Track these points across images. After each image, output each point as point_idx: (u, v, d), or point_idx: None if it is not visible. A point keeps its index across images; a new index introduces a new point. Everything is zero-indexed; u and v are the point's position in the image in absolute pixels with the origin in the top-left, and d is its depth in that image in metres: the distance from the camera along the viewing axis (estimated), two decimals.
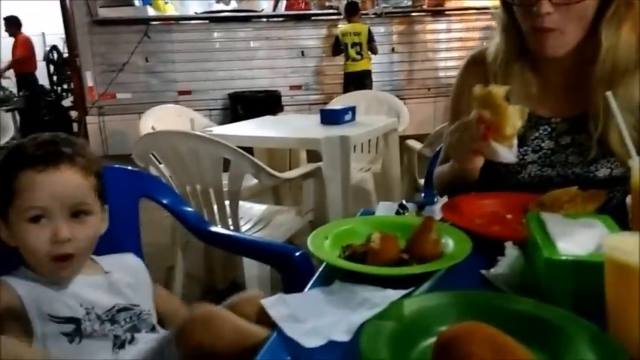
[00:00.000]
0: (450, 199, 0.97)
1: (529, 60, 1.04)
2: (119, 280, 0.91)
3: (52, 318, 0.80)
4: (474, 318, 0.51)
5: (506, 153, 0.87)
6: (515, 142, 0.88)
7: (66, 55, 6.87)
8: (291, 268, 1.04)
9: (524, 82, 1.04)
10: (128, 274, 0.94)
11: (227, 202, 1.81)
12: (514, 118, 0.85)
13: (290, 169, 2.56)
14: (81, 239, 0.83)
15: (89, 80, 5.97)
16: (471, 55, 1.16)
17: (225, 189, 1.79)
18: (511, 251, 0.71)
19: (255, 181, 2.07)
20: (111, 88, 5.98)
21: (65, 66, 7.08)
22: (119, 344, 0.84)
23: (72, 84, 6.61)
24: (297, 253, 1.04)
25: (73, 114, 6.69)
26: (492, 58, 1.07)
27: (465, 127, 0.89)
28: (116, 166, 1.27)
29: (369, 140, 2.93)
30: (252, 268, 1.74)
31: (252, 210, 2.11)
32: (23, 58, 7.00)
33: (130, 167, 1.28)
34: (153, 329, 0.91)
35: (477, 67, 1.11)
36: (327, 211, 2.10)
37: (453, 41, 6.45)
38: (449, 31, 6.48)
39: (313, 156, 2.25)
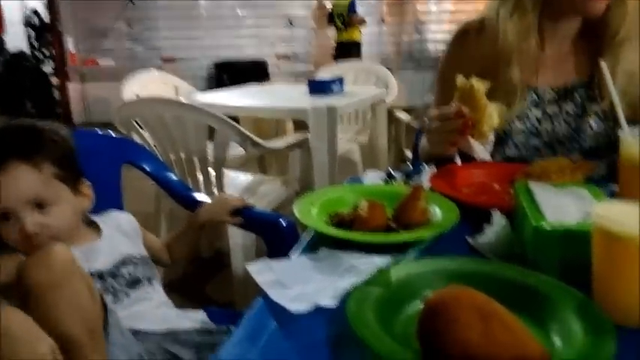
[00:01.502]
0: (438, 169, 0.97)
1: (535, 28, 1.02)
2: (114, 237, 0.95)
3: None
4: (460, 284, 0.50)
5: (482, 150, 0.89)
6: (491, 138, 0.89)
7: (47, 19, 6.64)
8: (278, 237, 1.03)
9: (522, 50, 1.02)
10: (121, 229, 0.98)
11: (212, 171, 1.78)
12: (492, 117, 0.86)
13: (275, 139, 2.53)
14: (51, 228, 0.83)
15: (70, 46, 5.81)
16: (462, 26, 1.14)
17: (210, 158, 1.77)
18: (498, 220, 0.71)
19: (241, 150, 2.04)
20: (93, 54, 5.84)
21: (46, 31, 6.85)
22: (117, 300, 0.88)
23: (53, 49, 6.41)
24: (284, 222, 1.03)
25: (54, 80, 6.51)
26: (503, 25, 1.02)
27: (446, 118, 0.89)
28: (98, 132, 1.24)
29: (357, 111, 2.91)
30: (237, 237, 1.73)
31: (237, 179, 2.09)
32: None
33: (112, 133, 1.24)
34: (150, 280, 0.95)
35: (467, 39, 1.09)
36: (314, 182, 2.09)
37: (444, 13, 6.37)
38: (439, 2, 6.39)
39: (300, 126, 2.22)
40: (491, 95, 0.88)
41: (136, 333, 0.82)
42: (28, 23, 7.23)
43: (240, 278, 1.72)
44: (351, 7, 5.38)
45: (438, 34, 6.30)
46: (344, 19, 5.40)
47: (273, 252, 1.05)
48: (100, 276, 0.88)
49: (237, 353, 0.50)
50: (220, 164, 1.76)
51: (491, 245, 0.68)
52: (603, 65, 0.79)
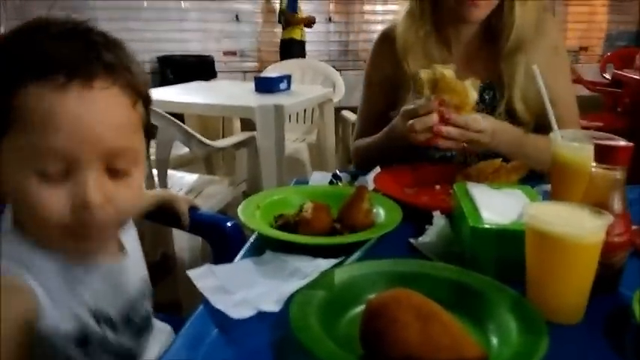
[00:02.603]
0: (382, 170, 0.98)
1: (434, 34, 1.08)
2: (136, 247, 0.68)
3: (52, 333, 0.52)
4: (402, 285, 0.51)
5: (476, 119, 0.90)
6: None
7: None
8: (222, 240, 1.01)
9: (429, 55, 1.07)
10: (132, 235, 0.67)
11: (155, 171, 1.73)
12: (472, 93, 0.88)
13: (222, 138, 2.49)
14: (120, 204, 0.53)
15: None
16: (383, 31, 1.18)
17: (152, 157, 1.71)
18: (438, 220, 0.73)
19: (187, 149, 1.99)
20: None
21: None
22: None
23: None
24: (229, 224, 1.01)
25: None
26: (400, 32, 1.09)
27: (428, 111, 0.88)
28: None
29: (305, 110, 2.91)
30: (182, 240, 1.69)
31: (182, 179, 2.04)
32: None
33: None
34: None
35: (387, 43, 1.12)
36: (261, 182, 2.07)
37: (389, 14, 6.49)
38: (385, 2, 6.50)
39: (247, 125, 2.20)
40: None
41: None
42: None
43: (186, 282, 1.68)
44: (291, 6, 5.33)
45: None
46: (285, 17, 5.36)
47: (218, 255, 1.02)
48: (110, 323, 0.59)
49: None
50: (163, 164, 1.71)
51: (432, 245, 0.70)
52: (535, 69, 0.82)
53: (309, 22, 5.48)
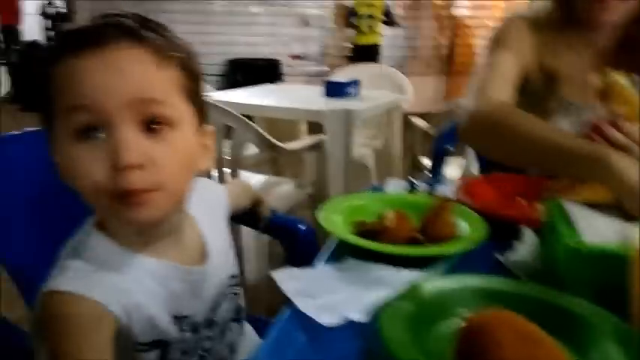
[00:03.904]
0: (464, 181, 0.95)
1: (566, 39, 1.03)
2: (222, 247, 0.66)
3: (128, 337, 0.52)
4: (494, 304, 0.49)
5: None
6: None
7: (63, 9, 6.68)
8: (295, 242, 1.02)
9: (564, 55, 1.02)
10: (216, 222, 0.67)
11: (227, 170, 1.78)
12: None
13: (288, 140, 2.52)
14: (163, 165, 0.50)
15: None
16: (516, 14, 1.09)
17: (224, 156, 1.76)
18: (530, 238, 0.70)
19: (254, 149, 2.04)
20: None
21: (62, 21, 6.89)
22: None
23: None
24: (303, 227, 1.02)
25: None
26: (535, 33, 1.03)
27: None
28: None
29: (371, 115, 2.89)
30: (249, 238, 1.72)
31: (251, 180, 2.08)
32: None
33: None
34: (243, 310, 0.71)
35: (524, 24, 1.05)
36: (328, 185, 2.08)
37: (458, 18, 6.34)
38: (455, 7, 6.36)
39: (313, 128, 2.21)
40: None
41: None
42: (44, 13, 7.29)
43: (252, 282, 1.71)
44: (388, 11, 5.36)
45: (454, 40, 6.27)
46: (372, 21, 5.35)
47: (290, 257, 1.03)
48: (190, 325, 0.59)
49: None
50: (236, 164, 1.75)
51: (523, 263, 0.67)
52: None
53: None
